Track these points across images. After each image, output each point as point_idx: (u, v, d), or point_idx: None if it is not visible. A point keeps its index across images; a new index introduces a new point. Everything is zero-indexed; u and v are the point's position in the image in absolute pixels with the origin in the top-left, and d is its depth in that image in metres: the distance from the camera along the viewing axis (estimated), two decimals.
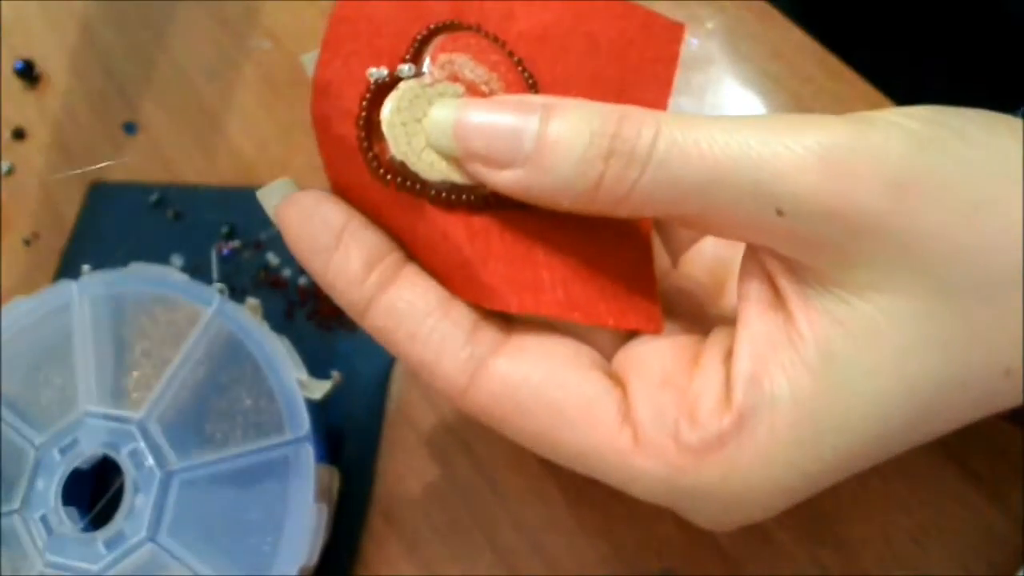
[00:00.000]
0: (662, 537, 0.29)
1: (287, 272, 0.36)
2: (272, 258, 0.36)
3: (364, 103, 0.21)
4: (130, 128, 0.41)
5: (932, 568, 0.28)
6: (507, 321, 0.22)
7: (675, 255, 0.27)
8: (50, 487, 0.29)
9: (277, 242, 0.36)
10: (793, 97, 0.36)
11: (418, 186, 0.21)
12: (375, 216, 0.22)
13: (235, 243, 0.37)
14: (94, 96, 0.42)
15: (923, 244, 0.19)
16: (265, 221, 0.36)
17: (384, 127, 0.21)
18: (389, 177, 0.21)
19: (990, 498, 0.28)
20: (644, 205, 0.20)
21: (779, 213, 0.19)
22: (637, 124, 0.19)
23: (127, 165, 0.40)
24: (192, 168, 0.39)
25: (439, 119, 0.21)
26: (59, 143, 0.41)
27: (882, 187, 0.18)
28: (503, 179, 0.20)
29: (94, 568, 0.28)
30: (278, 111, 0.40)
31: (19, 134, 0.42)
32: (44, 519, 0.29)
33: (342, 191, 0.22)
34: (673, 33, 0.24)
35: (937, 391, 0.20)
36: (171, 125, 0.41)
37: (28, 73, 0.43)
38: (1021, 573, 0.26)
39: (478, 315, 0.22)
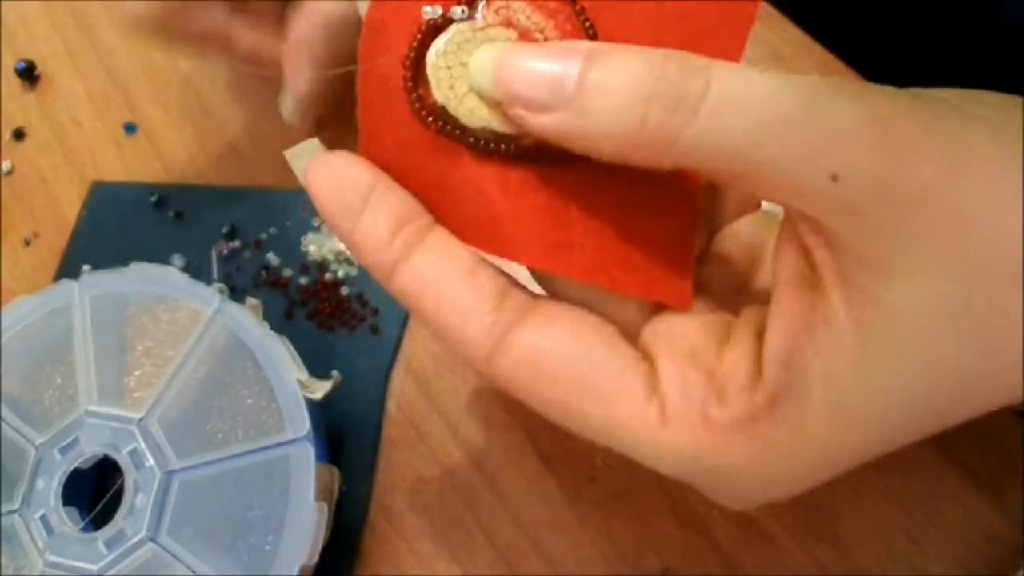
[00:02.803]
0: (661, 536, 0.29)
1: (287, 272, 0.36)
2: (272, 258, 0.36)
3: (414, 43, 0.21)
4: (130, 128, 0.41)
5: (930, 566, 0.28)
6: (534, 291, 0.22)
7: (712, 231, 0.26)
8: (50, 487, 0.29)
9: (277, 242, 0.36)
10: None
11: (458, 132, 0.21)
12: (410, 162, 0.22)
13: (235, 243, 0.37)
14: (95, 96, 0.42)
15: (973, 221, 0.18)
16: (266, 221, 0.37)
17: (428, 69, 0.21)
18: (431, 120, 0.21)
19: (988, 497, 0.28)
20: (690, 156, 0.19)
21: (834, 179, 0.18)
22: (686, 69, 0.18)
23: (127, 165, 0.40)
24: (192, 168, 0.39)
25: (482, 61, 0.21)
26: (60, 143, 0.41)
27: (938, 160, 0.18)
28: (543, 123, 0.20)
29: (94, 568, 0.28)
30: (278, 111, 0.40)
31: (20, 134, 0.42)
32: (44, 519, 0.29)
33: (376, 137, 0.22)
34: None
35: (968, 378, 0.19)
36: (171, 125, 0.41)
37: (29, 73, 0.43)
38: (1021, 574, 0.26)
39: (506, 283, 0.21)
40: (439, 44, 0.21)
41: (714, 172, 0.20)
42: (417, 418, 0.32)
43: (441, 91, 0.21)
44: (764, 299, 0.21)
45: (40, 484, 0.29)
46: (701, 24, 0.22)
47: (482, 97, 0.21)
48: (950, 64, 0.40)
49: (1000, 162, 0.18)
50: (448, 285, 0.21)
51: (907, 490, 0.29)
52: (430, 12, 0.21)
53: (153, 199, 0.38)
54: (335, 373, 0.31)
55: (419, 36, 0.21)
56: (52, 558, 0.28)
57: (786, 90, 0.18)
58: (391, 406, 0.33)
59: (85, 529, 0.29)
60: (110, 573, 0.28)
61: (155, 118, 0.41)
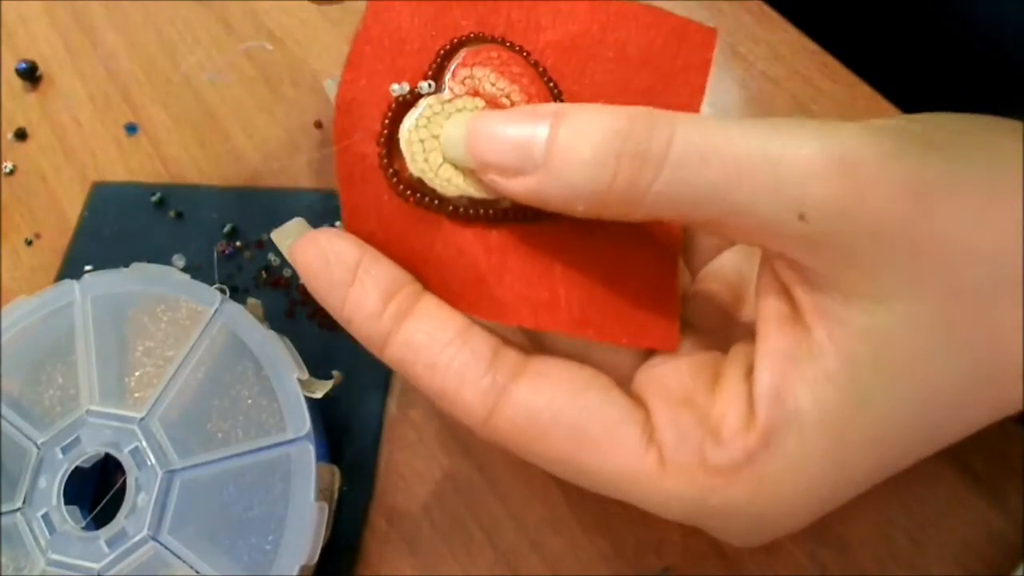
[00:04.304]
0: (662, 536, 0.29)
1: (288, 272, 0.36)
2: (273, 258, 0.36)
3: (385, 121, 0.22)
4: (132, 129, 0.41)
5: (930, 567, 0.28)
6: (525, 349, 0.22)
7: (694, 269, 0.26)
8: (52, 485, 0.29)
9: None
10: (792, 99, 0.36)
11: (436, 202, 0.21)
12: (392, 235, 0.22)
13: (236, 243, 0.37)
14: (96, 97, 0.42)
15: (940, 245, 0.19)
16: (267, 221, 0.37)
17: (402, 144, 0.22)
18: (409, 193, 0.21)
19: (988, 498, 0.28)
20: (660, 207, 0.19)
21: (801, 218, 0.18)
22: (650, 125, 0.19)
23: (129, 165, 0.40)
24: (193, 168, 0.39)
25: (452, 133, 0.21)
26: (61, 144, 0.41)
27: (899, 190, 0.18)
28: (516, 187, 0.20)
29: (96, 566, 0.28)
30: (278, 111, 0.40)
31: (21, 135, 0.42)
32: (46, 517, 0.29)
33: (357, 212, 0.22)
34: (705, 39, 0.24)
35: (960, 395, 0.20)
36: (172, 125, 0.41)
37: (30, 74, 0.43)
38: (1020, 572, 0.26)
39: (497, 343, 0.22)
40: (410, 120, 0.22)
41: (686, 220, 0.20)
42: (417, 418, 0.33)
43: (416, 164, 0.21)
44: (751, 332, 0.21)
45: (42, 483, 0.29)
46: (662, 70, 0.23)
47: (456, 166, 0.21)
48: (950, 65, 0.40)
49: (964, 184, 0.19)
50: (441, 351, 0.21)
51: (907, 490, 0.29)
52: (398, 89, 0.22)
53: (154, 199, 0.38)
54: (336, 372, 0.31)
55: (390, 113, 0.22)
56: (54, 556, 0.28)
57: (747, 136, 0.19)
58: (391, 406, 0.33)
59: (87, 528, 0.29)
60: (112, 572, 0.28)
61: (156, 118, 0.41)
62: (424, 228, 0.22)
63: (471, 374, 0.21)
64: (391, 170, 0.22)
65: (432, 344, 0.21)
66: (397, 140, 0.22)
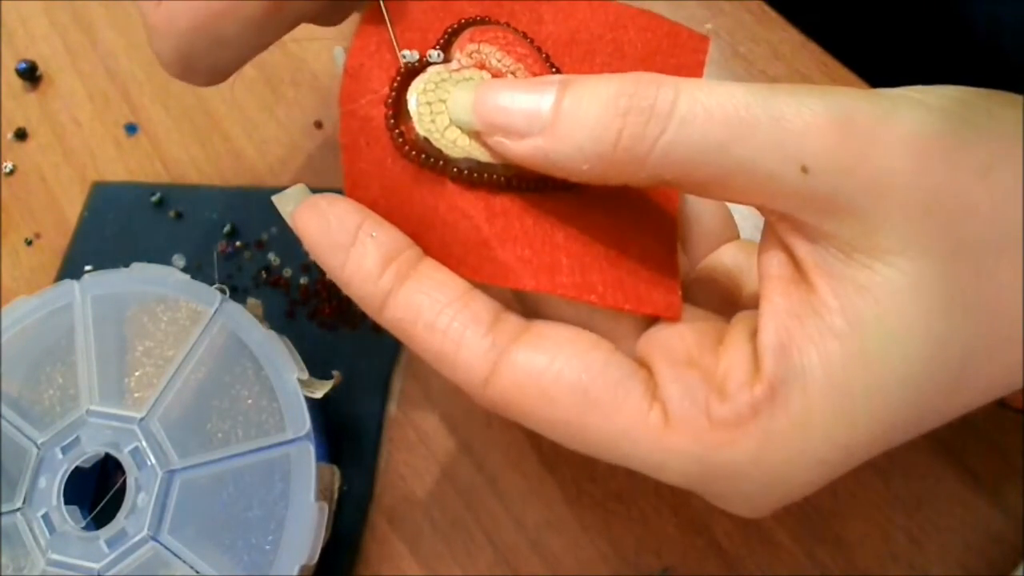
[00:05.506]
0: (661, 536, 0.29)
1: (288, 272, 0.36)
2: (273, 258, 0.36)
3: (394, 84, 0.22)
4: (131, 128, 0.41)
5: (930, 566, 0.28)
6: (527, 315, 0.22)
7: (693, 262, 0.26)
8: (52, 486, 0.29)
9: (278, 242, 0.36)
10: None
11: (441, 163, 0.22)
12: (394, 200, 0.22)
13: (236, 243, 0.37)
14: (96, 97, 0.42)
15: (940, 202, 0.19)
16: (267, 221, 0.37)
17: (410, 106, 0.22)
18: (414, 154, 0.22)
19: (988, 497, 0.28)
20: (664, 166, 0.20)
21: (804, 171, 0.19)
22: (656, 85, 0.19)
23: (128, 165, 0.40)
24: (193, 168, 0.39)
25: (460, 97, 0.21)
26: (61, 144, 0.41)
27: (899, 148, 0.19)
28: (522, 149, 0.20)
29: (96, 566, 0.28)
30: (278, 111, 0.40)
31: (21, 134, 0.42)
32: (46, 517, 0.29)
33: (360, 179, 0.22)
34: (698, 44, 0.25)
35: (966, 355, 0.19)
36: (172, 125, 0.41)
37: (30, 74, 0.43)
38: (1020, 572, 0.26)
39: (498, 308, 0.22)
40: (418, 85, 0.22)
41: (690, 179, 0.20)
42: (417, 418, 0.33)
43: (423, 125, 0.22)
44: (754, 307, 0.21)
45: (42, 483, 0.29)
46: (658, 69, 0.24)
47: (463, 129, 0.22)
48: (949, 64, 0.40)
49: (963, 144, 0.19)
50: (441, 312, 0.21)
51: (907, 490, 0.29)
52: (408, 56, 0.22)
53: (154, 199, 0.38)
54: (336, 372, 0.31)
55: (398, 78, 0.22)
56: (54, 557, 0.28)
57: (750, 95, 0.19)
58: (391, 406, 0.33)
59: (87, 528, 0.29)
60: (111, 572, 0.28)
61: (155, 118, 0.41)
62: (428, 191, 0.22)
63: (471, 335, 0.21)
64: (397, 131, 0.22)
65: (432, 305, 0.21)
66: (404, 104, 0.22)
